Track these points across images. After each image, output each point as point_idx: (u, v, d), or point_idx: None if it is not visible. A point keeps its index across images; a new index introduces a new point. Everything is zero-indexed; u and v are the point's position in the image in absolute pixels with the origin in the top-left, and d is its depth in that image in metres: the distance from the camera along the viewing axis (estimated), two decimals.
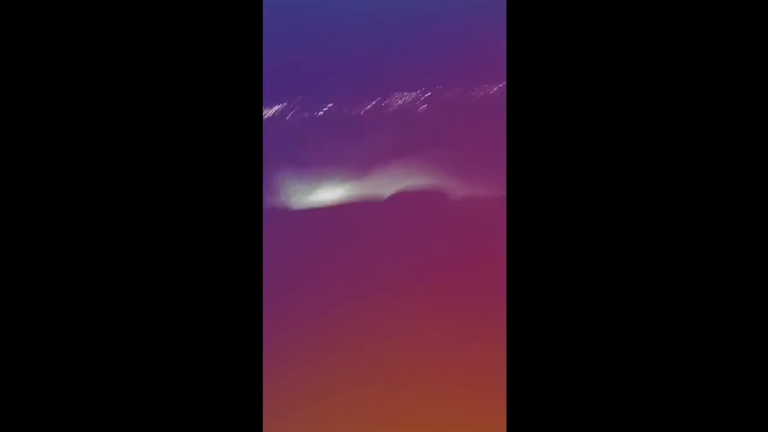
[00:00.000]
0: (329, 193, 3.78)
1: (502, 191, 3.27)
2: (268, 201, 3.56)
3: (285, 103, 3.66)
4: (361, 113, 3.69)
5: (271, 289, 3.49)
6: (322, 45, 3.75)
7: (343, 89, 3.72)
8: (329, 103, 3.72)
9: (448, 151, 3.73)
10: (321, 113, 3.73)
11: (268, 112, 3.64)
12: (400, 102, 3.72)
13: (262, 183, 3.24)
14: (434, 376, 3.68)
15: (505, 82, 3.09)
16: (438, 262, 3.69)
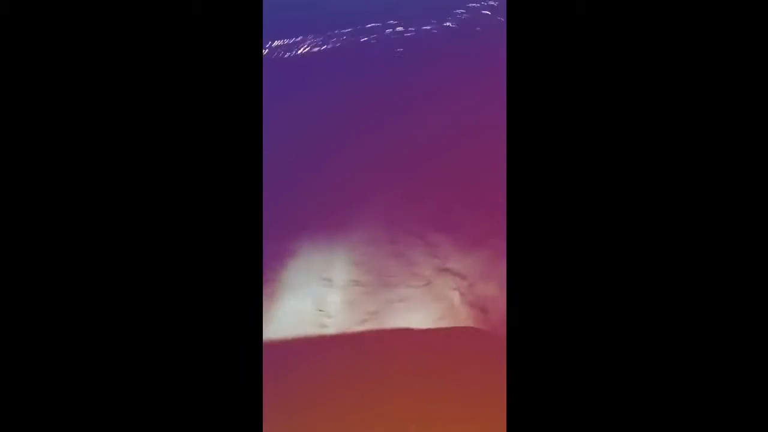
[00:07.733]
0: None
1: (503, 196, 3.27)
2: (267, 194, 3.56)
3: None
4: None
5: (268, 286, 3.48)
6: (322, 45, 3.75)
7: (342, 91, 3.72)
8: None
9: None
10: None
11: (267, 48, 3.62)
12: None
13: (262, 184, 3.24)
14: (434, 376, 3.69)
15: (505, 83, 3.10)
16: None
